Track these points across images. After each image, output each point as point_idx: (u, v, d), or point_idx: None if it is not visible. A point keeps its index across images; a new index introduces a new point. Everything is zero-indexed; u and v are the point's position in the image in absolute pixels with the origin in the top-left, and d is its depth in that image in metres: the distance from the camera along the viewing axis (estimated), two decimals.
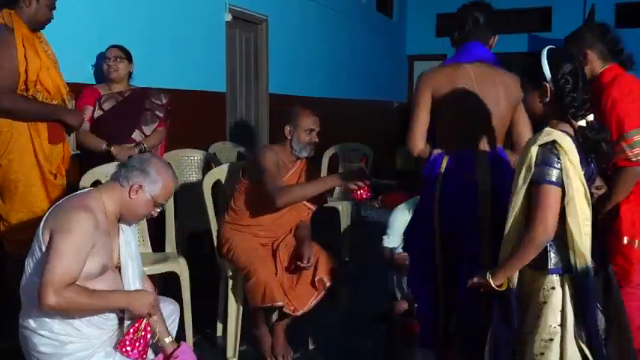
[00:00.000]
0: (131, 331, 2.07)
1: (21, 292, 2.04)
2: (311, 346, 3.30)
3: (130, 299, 2.07)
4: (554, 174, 1.78)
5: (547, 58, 1.85)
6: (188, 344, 2.41)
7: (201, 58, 5.05)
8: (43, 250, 1.97)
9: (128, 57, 3.62)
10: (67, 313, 1.96)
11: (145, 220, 3.24)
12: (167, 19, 4.61)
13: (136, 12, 4.26)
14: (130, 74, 3.66)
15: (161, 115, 3.70)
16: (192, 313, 3.14)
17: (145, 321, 2.09)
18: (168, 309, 2.43)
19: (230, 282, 3.08)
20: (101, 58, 3.71)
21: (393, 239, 3.79)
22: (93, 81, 3.79)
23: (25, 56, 2.87)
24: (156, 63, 4.40)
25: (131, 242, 2.24)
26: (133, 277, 2.19)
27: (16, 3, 2.93)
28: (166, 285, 3.40)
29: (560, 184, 1.78)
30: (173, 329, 2.46)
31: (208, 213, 3.30)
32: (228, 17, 5.37)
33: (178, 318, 2.51)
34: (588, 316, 1.80)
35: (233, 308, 3.08)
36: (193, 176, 4.31)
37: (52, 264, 1.89)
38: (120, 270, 2.19)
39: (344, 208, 5.09)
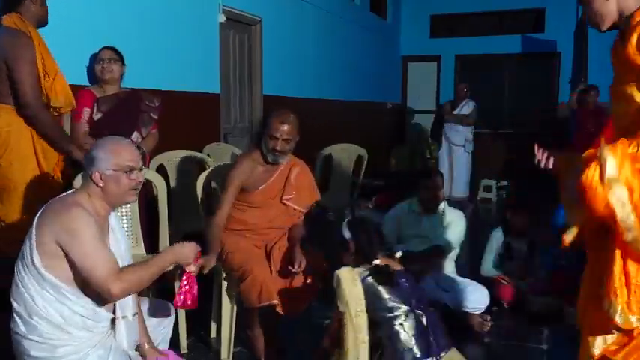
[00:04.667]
0: (185, 284, 2.27)
1: (12, 299, 2.03)
2: (303, 347, 3.30)
3: (174, 254, 2.20)
4: None
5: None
6: (176, 352, 2.40)
7: (195, 59, 5.04)
8: (37, 262, 1.96)
9: (121, 58, 3.61)
10: (133, 291, 2.09)
11: (138, 221, 3.26)
12: (160, 20, 4.60)
13: (129, 13, 4.25)
14: (122, 76, 3.66)
15: (155, 117, 3.71)
16: (185, 315, 3.14)
17: (189, 273, 2.28)
18: (163, 312, 2.43)
19: (224, 283, 3.08)
20: (93, 59, 3.70)
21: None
22: (85, 82, 3.77)
23: (42, 60, 2.89)
24: (149, 64, 4.39)
25: (121, 241, 2.25)
26: None
27: (19, 5, 2.94)
28: (160, 286, 3.39)
29: None
30: (168, 333, 2.46)
31: (202, 214, 3.29)
32: (222, 18, 5.36)
33: (173, 322, 2.51)
34: None
35: (227, 309, 3.08)
36: (187, 178, 4.30)
37: (91, 264, 1.94)
38: None
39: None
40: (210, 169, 3.65)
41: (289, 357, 3.15)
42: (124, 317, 2.16)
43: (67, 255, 1.97)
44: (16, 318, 2.02)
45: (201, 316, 3.38)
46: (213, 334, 3.36)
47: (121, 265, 2.16)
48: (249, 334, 3.12)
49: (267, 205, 3.07)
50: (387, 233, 3.82)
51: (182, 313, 3.10)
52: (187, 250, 2.22)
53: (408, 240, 3.74)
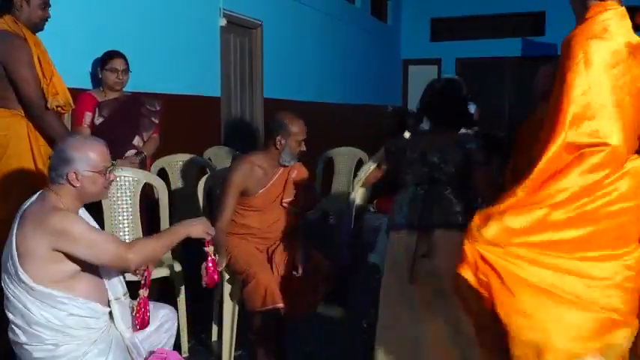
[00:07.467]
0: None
1: (8, 312, 2.03)
2: (307, 350, 3.30)
3: (188, 228, 2.23)
4: None
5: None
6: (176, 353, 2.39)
7: (196, 62, 5.05)
8: (23, 276, 1.95)
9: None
10: (149, 260, 2.19)
11: (139, 225, 3.25)
12: (161, 23, 4.61)
13: (129, 17, 4.26)
14: None
15: (156, 121, 3.71)
16: (186, 318, 3.13)
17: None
18: (165, 315, 2.42)
19: (227, 286, 3.07)
20: (95, 63, 3.70)
21: (378, 256, 3.75)
22: (86, 86, 3.78)
23: (39, 61, 2.88)
24: (150, 68, 4.40)
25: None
26: None
27: (10, 7, 2.93)
28: (161, 289, 3.39)
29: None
30: (171, 336, 2.45)
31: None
32: (223, 22, 5.37)
33: (176, 324, 2.50)
34: None
35: (229, 313, 3.07)
36: (188, 181, 4.31)
37: (99, 249, 1.99)
38: None
39: None
40: (211, 172, 3.65)
41: None
42: (116, 299, 2.19)
43: (68, 256, 1.98)
44: (15, 329, 2.02)
45: (202, 319, 3.37)
46: (214, 337, 3.36)
47: None
48: (252, 337, 3.11)
49: (268, 208, 3.07)
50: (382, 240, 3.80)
51: (183, 316, 3.10)
52: (200, 225, 2.25)
53: None
